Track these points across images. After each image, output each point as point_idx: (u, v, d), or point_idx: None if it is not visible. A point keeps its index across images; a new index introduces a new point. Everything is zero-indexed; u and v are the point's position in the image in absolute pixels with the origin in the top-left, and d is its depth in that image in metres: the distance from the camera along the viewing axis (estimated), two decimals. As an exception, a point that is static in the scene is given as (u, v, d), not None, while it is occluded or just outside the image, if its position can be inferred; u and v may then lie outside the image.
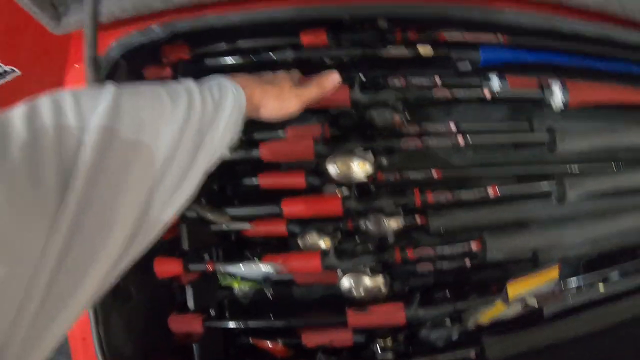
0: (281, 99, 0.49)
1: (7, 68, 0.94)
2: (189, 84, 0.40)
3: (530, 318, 0.62)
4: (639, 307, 0.60)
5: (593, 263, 0.65)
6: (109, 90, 0.33)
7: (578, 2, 0.51)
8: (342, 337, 0.59)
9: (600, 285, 0.60)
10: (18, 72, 0.96)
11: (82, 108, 0.30)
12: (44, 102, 0.29)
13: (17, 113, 0.28)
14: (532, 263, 0.66)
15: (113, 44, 0.55)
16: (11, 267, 0.23)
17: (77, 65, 0.61)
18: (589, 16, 0.55)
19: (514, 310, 0.60)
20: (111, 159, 0.29)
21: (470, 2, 0.54)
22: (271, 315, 0.64)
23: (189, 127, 0.36)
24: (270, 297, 0.64)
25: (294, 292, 0.73)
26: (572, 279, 0.61)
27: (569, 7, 0.53)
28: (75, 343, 0.55)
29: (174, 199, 0.34)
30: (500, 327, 0.60)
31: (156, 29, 0.53)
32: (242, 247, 0.69)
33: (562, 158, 0.64)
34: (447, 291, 0.59)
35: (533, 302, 0.60)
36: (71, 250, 0.26)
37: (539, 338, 0.57)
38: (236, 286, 0.69)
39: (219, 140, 0.39)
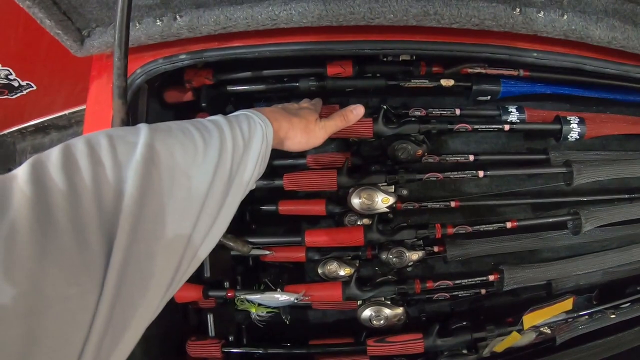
0: (307, 132, 0.50)
1: (24, 82, 0.95)
2: (220, 121, 0.40)
3: (543, 346, 0.65)
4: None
5: (604, 291, 0.68)
6: (143, 133, 0.33)
7: (599, 41, 0.53)
8: None
9: (610, 314, 0.63)
10: (34, 87, 0.97)
11: (119, 156, 0.30)
12: (80, 150, 0.30)
13: (55, 161, 0.28)
14: (545, 291, 0.68)
15: (138, 71, 0.56)
16: (65, 338, 0.24)
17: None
18: (608, 53, 0.57)
19: (528, 338, 0.63)
20: (149, 207, 0.30)
21: (494, 41, 0.55)
22: (288, 340, 0.66)
23: (221, 168, 0.37)
24: (287, 323, 0.67)
25: (309, 316, 0.76)
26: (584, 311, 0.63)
27: (592, 45, 0.54)
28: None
29: (209, 236, 0.36)
30: (514, 354, 0.63)
31: (183, 57, 0.54)
32: (258, 270, 0.72)
33: (578, 190, 0.66)
34: (464, 322, 0.61)
35: (547, 331, 0.63)
36: (118, 301, 0.27)
37: None
38: (253, 311, 0.71)
39: (249, 177, 0.40)
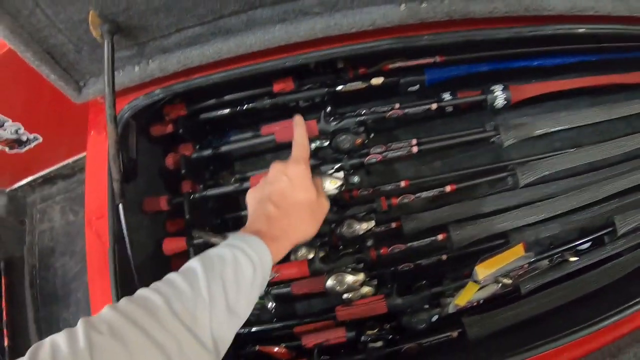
0: (306, 233, 0.56)
1: (32, 136, 1.20)
2: (199, 284, 0.44)
3: (509, 297, 0.72)
4: (611, 274, 0.69)
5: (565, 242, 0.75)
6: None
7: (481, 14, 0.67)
8: (336, 335, 0.72)
9: (569, 256, 0.70)
10: (40, 139, 1.22)
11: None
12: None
13: None
14: (505, 248, 0.76)
15: (125, 107, 0.77)
16: None
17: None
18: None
19: (491, 290, 0.71)
20: None
21: (390, 35, 0.71)
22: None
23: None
24: (273, 310, 0.78)
25: (296, 309, 0.86)
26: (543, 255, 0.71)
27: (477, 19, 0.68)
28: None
29: None
30: (480, 308, 0.70)
31: (157, 92, 0.75)
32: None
33: (517, 152, 0.77)
34: (424, 282, 0.70)
35: (507, 281, 0.71)
36: None
37: (518, 313, 0.68)
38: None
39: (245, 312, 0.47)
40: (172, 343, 0.39)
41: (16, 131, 1.15)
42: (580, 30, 0.71)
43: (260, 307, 0.83)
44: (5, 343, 1.26)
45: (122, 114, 0.78)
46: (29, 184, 1.42)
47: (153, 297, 0.42)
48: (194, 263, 0.47)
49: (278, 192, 0.57)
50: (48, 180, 1.43)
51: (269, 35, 0.69)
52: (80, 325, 0.39)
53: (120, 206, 0.71)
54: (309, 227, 0.56)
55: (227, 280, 0.45)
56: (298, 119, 0.67)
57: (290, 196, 0.56)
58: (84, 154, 1.35)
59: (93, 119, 0.87)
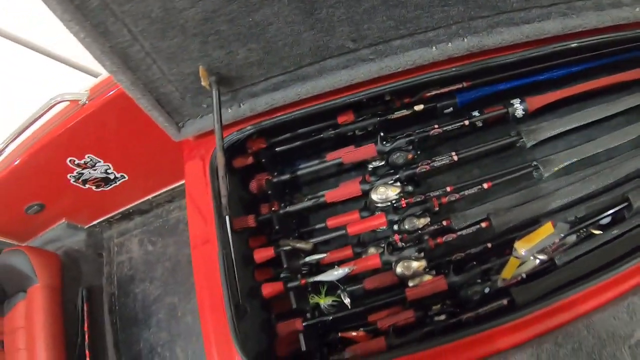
0: None
1: (119, 174, 1.46)
2: None
3: (547, 270, 0.90)
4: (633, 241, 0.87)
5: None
6: None
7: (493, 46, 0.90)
8: (406, 316, 0.92)
9: (593, 229, 0.89)
10: (126, 178, 1.47)
11: None
12: None
13: None
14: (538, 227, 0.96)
15: (226, 137, 1.00)
16: None
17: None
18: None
19: (530, 265, 0.90)
20: None
21: (425, 70, 0.95)
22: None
23: None
24: (349, 306, 0.98)
25: (365, 304, 1.05)
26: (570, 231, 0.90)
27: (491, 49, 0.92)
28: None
29: None
30: (524, 281, 0.89)
31: (248, 128, 0.99)
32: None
33: (541, 153, 0.98)
34: (474, 262, 0.90)
35: (543, 257, 0.89)
36: None
37: (556, 280, 0.86)
38: (322, 302, 1.04)
39: None
40: None
41: (105, 170, 1.41)
42: (573, 45, 0.95)
43: (337, 303, 1.03)
44: None
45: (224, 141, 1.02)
46: (107, 220, 1.67)
47: None
48: None
49: None
50: (126, 216, 1.68)
51: (337, 78, 0.95)
52: None
53: (227, 218, 0.94)
54: None
55: None
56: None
57: None
58: (163, 189, 1.61)
59: (188, 154, 1.12)
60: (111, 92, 1.17)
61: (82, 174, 1.38)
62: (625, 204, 0.93)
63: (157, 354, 1.48)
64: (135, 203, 1.65)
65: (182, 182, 1.60)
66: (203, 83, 0.89)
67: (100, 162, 1.37)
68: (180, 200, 1.65)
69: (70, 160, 1.32)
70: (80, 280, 1.57)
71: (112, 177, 1.46)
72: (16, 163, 1.31)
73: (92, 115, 1.19)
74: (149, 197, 1.64)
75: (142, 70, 0.88)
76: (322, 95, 0.98)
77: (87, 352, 1.47)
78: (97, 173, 1.40)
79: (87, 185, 1.44)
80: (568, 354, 0.66)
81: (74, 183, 1.41)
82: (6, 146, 1.25)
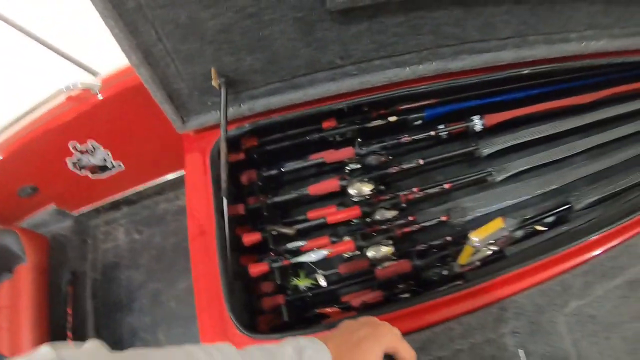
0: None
1: (116, 163, 1.57)
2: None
3: (497, 259, 1.10)
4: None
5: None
6: None
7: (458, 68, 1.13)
8: (374, 295, 1.10)
9: (538, 226, 1.10)
10: (122, 167, 1.59)
11: None
12: None
13: None
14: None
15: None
16: None
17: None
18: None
19: (483, 254, 1.09)
20: None
21: (397, 87, 1.15)
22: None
23: None
24: (326, 285, 1.14)
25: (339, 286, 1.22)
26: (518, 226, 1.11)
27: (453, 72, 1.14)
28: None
29: None
30: (478, 267, 1.08)
31: (246, 126, 1.16)
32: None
33: (497, 162, 1.19)
34: (434, 249, 1.09)
35: (494, 248, 1.09)
36: None
37: (503, 266, 1.05)
38: (301, 284, 1.20)
39: None
40: None
41: (104, 158, 1.53)
42: (525, 72, 1.18)
43: (314, 286, 1.19)
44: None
45: (218, 142, 1.18)
46: (96, 208, 1.77)
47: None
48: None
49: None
50: (114, 205, 1.79)
51: (325, 89, 1.14)
52: None
53: (225, 200, 1.09)
54: None
55: None
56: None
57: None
58: (152, 182, 1.73)
59: (188, 146, 1.27)
60: (123, 85, 1.31)
61: (81, 159, 1.49)
62: (567, 206, 1.15)
63: (139, 338, 1.58)
64: (126, 193, 1.76)
65: (172, 175, 1.74)
66: (213, 83, 1.06)
67: (99, 148, 1.48)
68: (168, 193, 1.77)
69: (72, 145, 1.43)
70: (66, 265, 1.65)
71: (109, 165, 1.57)
72: (17, 144, 1.40)
73: (103, 104, 1.32)
74: (140, 188, 1.76)
75: (161, 67, 1.03)
76: (310, 102, 1.16)
77: (68, 333, 1.55)
78: (96, 160, 1.52)
79: (84, 172, 1.55)
80: (511, 317, 0.85)
81: (72, 168, 1.52)
82: (10, 126, 1.36)
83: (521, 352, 0.79)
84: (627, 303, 0.84)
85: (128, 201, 1.78)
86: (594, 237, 0.93)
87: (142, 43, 0.96)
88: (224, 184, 1.09)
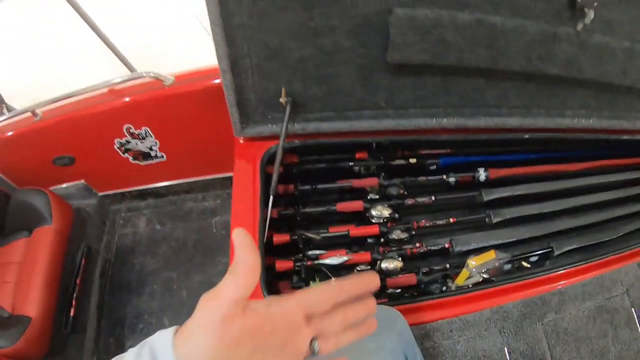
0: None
1: (160, 154, 1.74)
2: None
3: (485, 283, 1.33)
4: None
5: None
6: None
7: (476, 126, 1.42)
8: (382, 301, 1.29)
9: (525, 263, 1.34)
10: (164, 159, 1.76)
11: None
12: None
13: None
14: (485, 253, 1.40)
15: (273, 146, 1.39)
16: None
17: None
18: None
19: (476, 279, 1.33)
20: None
21: (438, 133, 1.43)
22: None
23: None
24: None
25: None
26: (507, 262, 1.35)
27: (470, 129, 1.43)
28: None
29: None
30: (472, 288, 1.31)
31: (296, 142, 1.39)
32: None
33: (494, 206, 1.46)
34: (438, 268, 1.32)
35: (485, 276, 1.33)
36: None
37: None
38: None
39: None
40: None
41: (151, 147, 1.71)
42: (526, 136, 1.47)
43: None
44: (72, 313, 1.65)
45: (271, 149, 1.41)
46: (123, 193, 1.91)
47: None
48: None
49: None
50: (142, 195, 1.94)
51: (367, 124, 1.41)
52: None
53: (271, 197, 1.30)
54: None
55: None
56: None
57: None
58: (184, 180, 1.90)
59: (238, 151, 1.49)
60: (193, 86, 1.54)
61: (129, 142, 1.67)
62: (549, 249, 1.41)
63: (142, 320, 1.68)
64: (156, 185, 1.92)
65: (205, 177, 1.92)
66: (281, 100, 1.31)
67: (152, 137, 1.68)
68: (197, 193, 1.94)
69: (126, 127, 1.62)
70: (84, 239, 1.77)
71: (153, 154, 1.75)
72: (70, 115, 1.57)
73: (171, 97, 1.54)
74: (172, 182, 1.92)
75: (241, 77, 1.28)
76: (352, 133, 1.42)
77: (73, 301, 1.64)
78: (142, 147, 1.70)
79: (126, 155, 1.72)
80: (500, 318, 1.07)
81: (116, 149, 1.69)
82: (78, 95, 1.53)
83: (506, 349, 1.01)
84: (594, 323, 1.08)
85: (156, 193, 1.94)
86: (571, 268, 1.18)
87: (233, 53, 1.21)
88: (274, 183, 1.31)
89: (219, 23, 1.12)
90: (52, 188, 1.84)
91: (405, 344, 0.84)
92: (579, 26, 1.16)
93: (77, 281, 1.69)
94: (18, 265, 1.60)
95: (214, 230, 1.88)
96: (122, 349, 1.63)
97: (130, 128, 1.64)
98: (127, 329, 1.66)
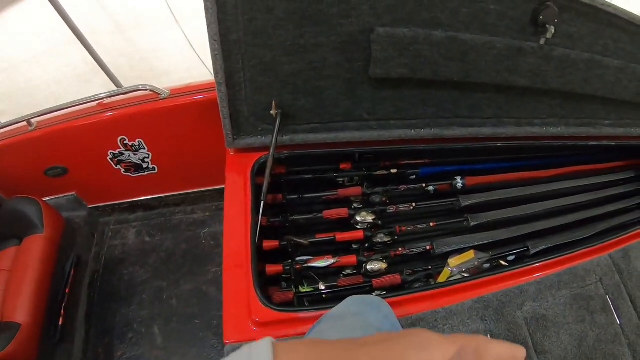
0: None
1: (152, 166, 1.82)
2: None
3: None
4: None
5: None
6: None
7: (452, 135, 1.56)
8: None
9: (502, 261, 1.45)
10: (155, 171, 1.84)
11: None
12: None
13: None
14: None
15: (262, 156, 1.49)
16: None
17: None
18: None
19: (457, 278, 1.43)
20: None
21: (416, 143, 1.56)
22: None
23: None
24: (324, 297, 1.43)
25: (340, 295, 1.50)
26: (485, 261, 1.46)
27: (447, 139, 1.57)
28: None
29: None
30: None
31: (285, 153, 1.50)
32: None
33: (471, 211, 1.58)
34: (420, 268, 1.43)
35: (466, 275, 1.44)
36: None
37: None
38: (305, 292, 1.48)
39: None
40: None
41: (144, 159, 1.79)
42: (499, 144, 1.62)
43: (313, 291, 1.47)
44: (60, 322, 1.67)
45: (261, 159, 1.51)
46: (111, 206, 1.97)
47: None
48: None
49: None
50: (131, 207, 2.00)
51: (351, 135, 1.53)
52: None
53: (262, 203, 1.39)
54: None
55: None
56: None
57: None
58: (176, 192, 1.97)
59: (230, 163, 1.59)
60: (187, 100, 1.64)
61: (123, 154, 1.75)
62: (525, 248, 1.53)
63: (132, 329, 1.72)
64: (146, 197, 1.98)
65: (195, 190, 2.00)
66: (272, 112, 1.42)
67: (144, 149, 1.76)
68: (186, 206, 2.01)
69: (120, 139, 1.70)
70: (73, 249, 1.81)
71: (145, 165, 1.83)
72: (63, 126, 1.63)
73: (165, 110, 1.63)
74: (162, 195, 1.99)
75: (235, 90, 1.39)
76: (337, 144, 1.54)
77: (62, 311, 1.67)
78: (135, 158, 1.78)
79: (118, 167, 1.79)
80: (481, 307, 1.16)
81: (109, 160, 1.76)
82: (73, 106, 1.60)
83: (488, 335, 1.10)
84: (571, 309, 1.19)
85: (146, 206, 2.00)
86: (547, 261, 1.30)
87: (229, 67, 1.32)
88: (265, 189, 1.40)
89: (217, 39, 1.24)
90: (45, 199, 1.88)
91: (391, 326, 0.92)
92: (542, 41, 1.32)
93: (66, 291, 1.72)
94: (7, 273, 1.62)
95: (203, 241, 1.95)
96: (111, 359, 1.66)
97: (125, 139, 1.72)
98: (116, 338, 1.69)
